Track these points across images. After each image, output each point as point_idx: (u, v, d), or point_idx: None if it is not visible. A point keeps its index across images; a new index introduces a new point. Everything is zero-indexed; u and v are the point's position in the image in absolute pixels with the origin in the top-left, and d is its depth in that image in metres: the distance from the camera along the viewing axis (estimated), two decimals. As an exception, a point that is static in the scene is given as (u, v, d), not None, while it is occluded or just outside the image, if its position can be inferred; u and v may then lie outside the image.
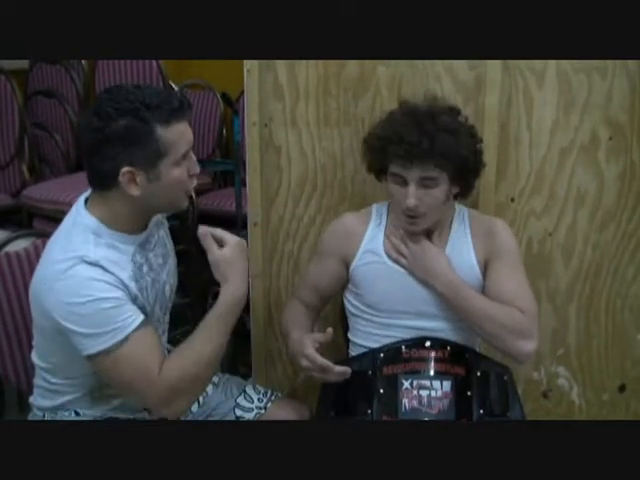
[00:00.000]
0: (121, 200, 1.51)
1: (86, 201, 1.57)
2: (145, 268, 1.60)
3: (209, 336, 1.54)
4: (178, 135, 1.48)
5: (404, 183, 1.65)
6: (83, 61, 3.29)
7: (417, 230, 1.72)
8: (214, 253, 1.55)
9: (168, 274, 1.70)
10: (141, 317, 1.50)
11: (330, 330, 1.66)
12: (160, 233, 1.70)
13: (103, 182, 1.51)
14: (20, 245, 1.85)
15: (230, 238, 1.57)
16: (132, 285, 1.53)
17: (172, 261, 1.74)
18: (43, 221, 2.80)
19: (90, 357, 1.48)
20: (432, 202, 1.65)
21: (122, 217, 1.54)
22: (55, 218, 2.70)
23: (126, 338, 1.46)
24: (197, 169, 1.56)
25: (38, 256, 1.84)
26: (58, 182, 3.03)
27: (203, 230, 1.56)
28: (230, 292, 1.55)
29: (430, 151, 1.60)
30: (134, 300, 1.53)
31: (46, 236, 1.90)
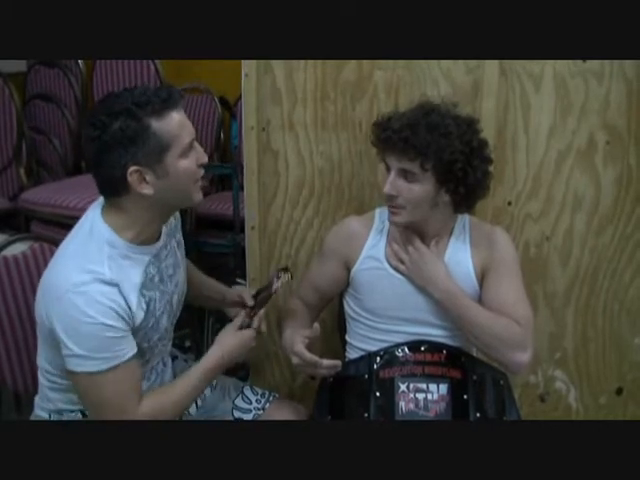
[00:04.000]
0: (135, 204, 1.51)
1: (101, 209, 1.56)
2: (156, 279, 1.59)
3: (192, 387, 1.60)
4: (177, 126, 1.48)
5: (388, 170, 1.68)
6: (81, 64, 3.29)
7: (398, 222, 1.71)
8: (232, 327, 1.68)
9: (177, 285, 1.69)
10: (134, 350, 1.51)
11: (316, 325, 1.68)
12: (172, 243, 1.69)
13: (113, 189, 1.50)
14: (18, 249, 1.85)
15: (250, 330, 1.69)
16: (141, 303, 1.53)
17: (182, 271, 1.73)
18: (41, 225, 2.79)
19: (72, 373, 1.48)
20: (410, 197, 1.65)
21: (139, 223, 1.53)
22: (53, 222, 2.71)
23: (115, 367, 1.47)
24: (205, 158, 1.56)
25: (36, 260, 1.85)
26: (56, 186, 3.03)
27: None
28: (220, 356, 1.64)
29: (408, 142, 1.60)
30: (140, 323, 1.53)
31: (44, 240, 1.91)
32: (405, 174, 1.64)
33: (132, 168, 1.45)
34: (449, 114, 1.66)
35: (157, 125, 1.45)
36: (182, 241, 1.75)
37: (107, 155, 1.45)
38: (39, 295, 1.56)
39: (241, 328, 1.68)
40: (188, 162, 1.51)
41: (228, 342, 1.65)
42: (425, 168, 1.62)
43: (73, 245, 1.54)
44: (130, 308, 1.50)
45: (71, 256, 1.51)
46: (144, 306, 1.55)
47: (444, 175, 1.62)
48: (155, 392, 1.60)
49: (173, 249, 1.69)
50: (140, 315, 1.54)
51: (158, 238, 1.61)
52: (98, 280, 1.46)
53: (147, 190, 1.48)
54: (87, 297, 1.44)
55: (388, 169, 1.68)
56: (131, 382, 1.51)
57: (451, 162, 1.61)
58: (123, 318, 1.48)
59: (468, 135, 1.64)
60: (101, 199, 1.58)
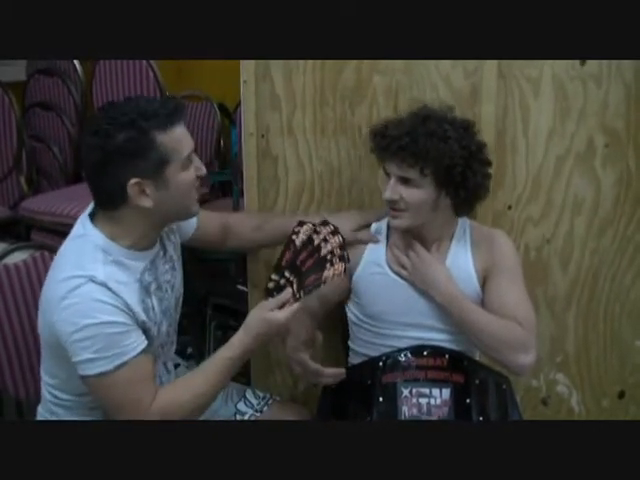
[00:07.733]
0: (133, 215, 1.50)
1: (92, 217, 1.55)
2: (153, 287, 1.58)
3: (212, 376, 1.53)
4: (178, 139, 1.48)
5: (388, 176, 1.69)
6: (80, 72, 3.29)
7: (399, 225, 1.72)
8: (266, 307, 1.55)
9: (174, 288, 1.67)
10: (143, 344, 1.49)
11: (318, 333, 1.68)
12: (168, 246, 1.67)
13: (112, 200, 1.49)
14: (18, 257, 1.85)
15: (287, 312, 1.54)
16: (138, 308, 1.51)
17: (178, 274, 1.71)
18: (41, 233, 2.79)
19: (85, 377, 1.46)
20: (412, 201, 1.66)
21: (135, 233, 1.52)
22: (53, 230, 2.71)
23: (125, 363, 1.45)
24: (203, 170, 1.56)
25: (37, 268, 1.85)
26: (56, 194, 3.03)
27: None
28: (247, 343, 1.53)
29: (407, 149, 1.61)
30: (140, 323, 1.51)
31: (44, 248, 1.91)
32: (405, 180, 1.65)
33: (133, 180, 1.45)
34: (446, 119, 1.67)
35: (161, 138, 1.45)
36: (178, 242, 1.72)
37: (109, 166, 1.44)
38: (40, 310, 1.55)
39: (280, 307, 1.54)
40: (187, 175, 1.51)
41: (256, 328, 1.53)
42: (425, 174, 1.63)
43: (65, 256, 1.53)
44: (129, 306, 1.48)
45: (63, 266, 1.50)
46: (143, 314, 1.53)
47: (444, 179, 1.64)
48: (171, 385, 1.57)
49: (169, 253, 1.67)
50: (141, 315, 1.52)
51: (153, 245, 1.60)
52: (90, 281, 1.44)
53: (146, 202, 1.47)
54: (83, 298, 1.43)
55: (388, 174, 1.69)
56: (144, 376, 1.48)
57: (450, 167, 1.62)
58: (124, 312, 1.46)
59: (466, 139, 1.66)
60: (87, 210, 1.57)
